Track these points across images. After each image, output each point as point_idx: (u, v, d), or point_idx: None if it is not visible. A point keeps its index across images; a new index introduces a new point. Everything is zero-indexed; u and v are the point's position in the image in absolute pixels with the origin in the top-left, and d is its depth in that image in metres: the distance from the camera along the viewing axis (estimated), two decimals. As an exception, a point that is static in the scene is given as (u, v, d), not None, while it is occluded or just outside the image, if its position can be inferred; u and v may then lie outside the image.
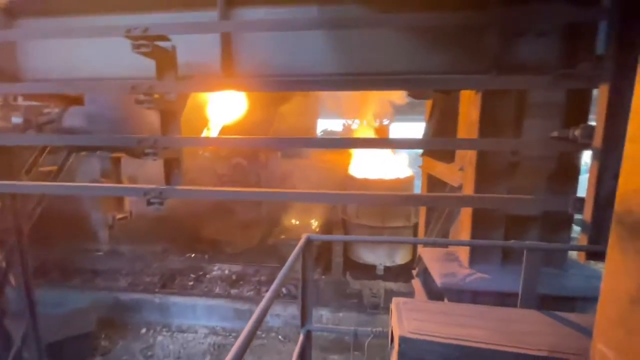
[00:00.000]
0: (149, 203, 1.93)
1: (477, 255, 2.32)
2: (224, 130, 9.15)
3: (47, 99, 2.92)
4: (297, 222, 9.48)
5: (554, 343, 1.19)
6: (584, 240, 1.50)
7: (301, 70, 2.26)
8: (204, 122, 8.99)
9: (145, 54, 1.90)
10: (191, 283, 8.40)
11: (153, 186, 1.95)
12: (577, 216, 1.94)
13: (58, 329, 5.62)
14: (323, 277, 8.09)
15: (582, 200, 1.53)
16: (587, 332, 1.34)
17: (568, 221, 2.19)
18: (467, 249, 2.35)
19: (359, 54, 2.21)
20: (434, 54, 2.06)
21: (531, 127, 2.03)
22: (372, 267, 7.58)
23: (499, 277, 2.05)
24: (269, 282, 8.32)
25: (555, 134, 1.75)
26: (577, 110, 2.03)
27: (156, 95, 1.98)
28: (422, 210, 3.69)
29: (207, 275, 8.74)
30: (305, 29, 2.02)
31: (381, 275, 7.44)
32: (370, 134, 11.78)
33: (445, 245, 2.31)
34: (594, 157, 1.46)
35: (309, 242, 1.53)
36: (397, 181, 7.80)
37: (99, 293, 7.59)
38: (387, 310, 1.90)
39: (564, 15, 1.85)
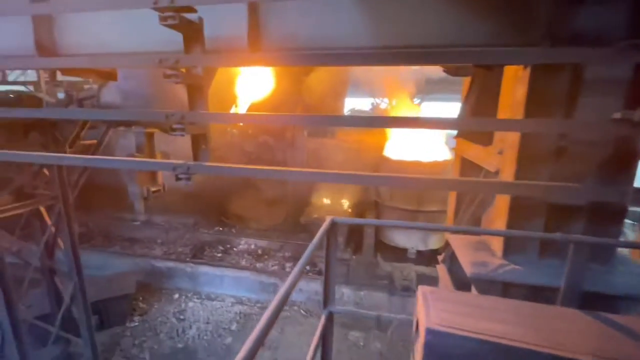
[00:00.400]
0: (178, 178, 1.96)
1: (511, 246, 2.18)
2: (252, 107, 9.19)
3: (82, 74, 3.01)
4: (329, 202, 9.47)
5: (598, 346, 1.08)
6: (642, 237, 1.33)
7: (331, 43, 2.13)
8: (232, 99, 9.07)
9: (172, 27, 1.86)
10: (219, 255, 8.81)
11: (181, 161, 1.97)
12: (632, 208, 1.74)
13: (102, 290, 6.15)
14: (354, 256, 8.16)
15: (642, 191, 1.35)
16: (634, 335, 1.21)
17: (620, 214, 1.98)
18: (500, 238, 2.21)
19: (393, 25, 2.04)
20: (477, 22, 1.86)
21: (586, 106, 1.81)
22: (404, 250, 7.51)
23: (535, 270, 1.91)
24: (293, 258, 8.53)
25: (617, 115, 1.53)
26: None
27: (183, 70, 1.96)
28: (452, 195, 3.52)
29: (235, 249, 9.11)
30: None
31: (413, 258, 7.36)
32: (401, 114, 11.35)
33: (479, 234, 2.18)
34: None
35: (333, 224, 1.49)
36: (436, 164, 7.53)
37: (137, 259, 8.18)
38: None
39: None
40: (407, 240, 7.45)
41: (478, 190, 2.19)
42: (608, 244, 1.37)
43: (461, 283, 2.64)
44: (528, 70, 1.90)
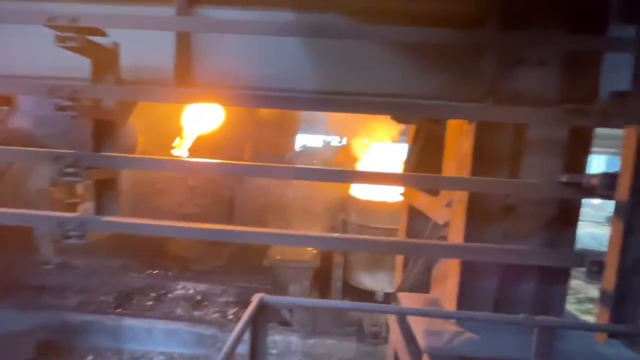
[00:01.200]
0: (66, 237, 1.51)
1: (465, 306, 2.02)
2: (199, 140, 8.67)
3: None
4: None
5: None
6: (604, 315, 1.24)
7: (275, 85, 1.95)
8: (178, 131, 8.50)
9: (75, 51, 1.52)
10: (150, 303, 7.69)
11: (73, 215, 1.53)
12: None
13: (-13, 358, 4.88)
14: None
15: (600, 264, 1.27)
16: None
17: (567, 272, 1.94)
18: (453, 297, 2.05)
19: (342, 71, 1.94)
20: (425, 76, 1.81)
21: (530, 165, 1.79)
22: (372, 293, 7.20)
23: (491, 337, 1.75)
24: (237, 304, 7.75)
25: (564, 178, 1.50)
26: (579, 149, 1.82)
27: (88, 102, 1.59)
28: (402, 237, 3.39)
29: (169, 295, 8.06)
30: (276, 34, 1.72)
31: (381, 301, 7.07)
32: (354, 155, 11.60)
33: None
34: (618, 212, 1.22)
35: (262, 306, 1.17)
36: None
37: (43, 313, 6.77)
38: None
39: (565, 43, 1.66)
40: (375, 282, 7.20)
41: (427, 254, 2.05)
42: (575, 327, 1.26)
43: (413, 340, 2.42)
44: (473, 125, 1.87)
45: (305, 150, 12.95)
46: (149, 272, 8.81)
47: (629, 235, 1.18)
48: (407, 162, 3.70)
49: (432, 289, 2.50)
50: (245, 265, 8.61)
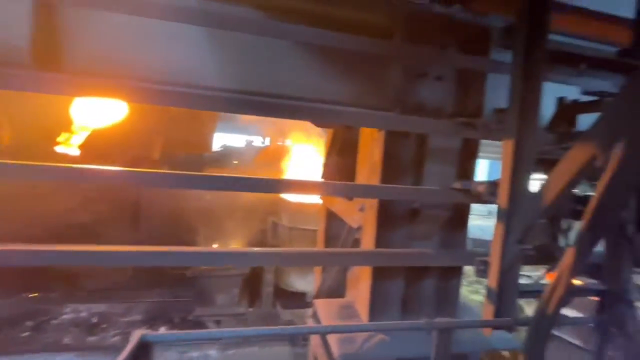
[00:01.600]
0: None
1: (377, 308, 2.08)
2: (94, 136, 7.44)
3: None
4: (216, 245, 8.02)
5: None
6: (489, 310, 1.38)
7: (175, 78, 1.70)
8: (67, 124, 7.16)
9: None
10: (26, 334, 6.30)
11: None
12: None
13: None
14: (251, 309, 7.12)
15: (486, 263, 1.42)
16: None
17: (459, 269, 2.16)
18: (366, 300, 2.10)
19: (255, 70, 1.80)
20: (340, 82, 1.80)
21: (431, 172, 1.93)
22: (304, 295, 7.03)
23: (401, 338, 1.83)
24: (145, 322, 6.86)
25: (457, 185, 1.65)
26: (468, 157, 2.03)
27: None
28: (320, 247, 3.40)
29: (54, 321, 6.71)
30: (170, 18, 1.49)
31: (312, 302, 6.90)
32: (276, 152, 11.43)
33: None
34: (499, 216, 1.36)
35: (143, 345, 0.96)
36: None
37: None
38: None
39: (456, 61, 1.83)
40: (306, 284, 7.07)
41: (341, 263, 2.06)
42: (465, 326, 1.38)
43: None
44: (383, 133, 1.93)
45: (226, 150, 12.21)
46: (24, 295, 7.21)
47: (507, 237, 1.34)
48: (326, 166, 3.74)
49: (347, 291, 2.54)
50: (158, 277, 7.68)
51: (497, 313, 1.36)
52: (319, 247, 3.43)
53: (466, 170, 1.99)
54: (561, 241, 1.52)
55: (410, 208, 1.98)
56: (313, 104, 1.78)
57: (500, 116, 1.50)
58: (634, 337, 1.35)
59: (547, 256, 1.63)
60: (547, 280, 1.69)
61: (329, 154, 3.68)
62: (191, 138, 8.89)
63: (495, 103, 1.89)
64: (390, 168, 1.97)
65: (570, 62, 1.54)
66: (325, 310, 2.19)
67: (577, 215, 1.68)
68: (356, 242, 2.68)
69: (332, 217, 3.30)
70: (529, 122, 1.29)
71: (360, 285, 2.21)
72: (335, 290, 2.82)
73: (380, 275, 2.04)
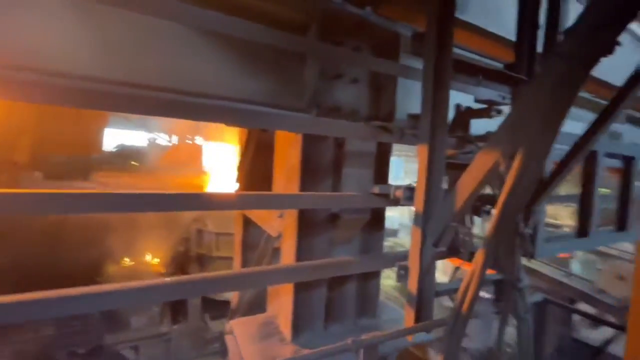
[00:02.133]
0: None
1: (300, 322, 1.97)
2: None
3: None
4: (128, 261, 6.66)
5: None
6: (410, 315, 1.39)
7: (45, 65, 1.27)
8: None
9: None
10: None
11: None
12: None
13: None
14: (175, 326, 6.10)
15: (406, 268, 1.43)
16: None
17: (377, 272, 2.21)
18: (288, 314, 1.97)
19: (149, 58, 1.47)
20: (252, 79, 1.61)
21: (350, 176, 1.90)
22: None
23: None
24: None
25: (376, 190, 1.64)
26: (383, 160, 2.07)
27: None
28: (237, 257, 3.14)
29: None
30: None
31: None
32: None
33: None
34: (416, 221, 1.38)
35: None
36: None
37: None
38: None
39: (369, 64, 1.83)
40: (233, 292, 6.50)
41: (260, 284, 1.88)
42: (391, 338, 1.36)
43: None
44: (300, 135, 1.82)
45: (123, 150, 10.56)
46: None
47: (425, 240, 1.37)
48: (240, 169, 3.47)
49: (269, 305, 2.37)
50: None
51: (417, 315, 1.38)
52: (236, 258, 3.16)
53: (382, 173, 2.02)
54: (465, 237, 1.65)
55: (330, 213, 1.91)
56: (222, 102, 1.55)
57: (413, 121, 1.53)
58: (524, 318, 1.54)
59: (453, 251, 1.76)
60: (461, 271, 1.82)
61: (243, 156, 3.42)
62: (73, 137, 7.36)
63: (407, 108, 1.95)
64: (309, 172, 1.87)
65: (470, 72, 1.68)
66: (243, 330, 1.99)
67: (476, 212, 1.85)
68: (276, 251, 2.52)
69: (249, 224, 3.07)
70: (440, 127, 1.33)
71: (281, 299, 2.06)
72: (256, 304, 2.62)
73: (302, 285, 1.93)
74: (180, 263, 7.25)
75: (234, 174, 3.76)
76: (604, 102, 2.89)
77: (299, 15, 1.77)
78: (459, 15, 1.88)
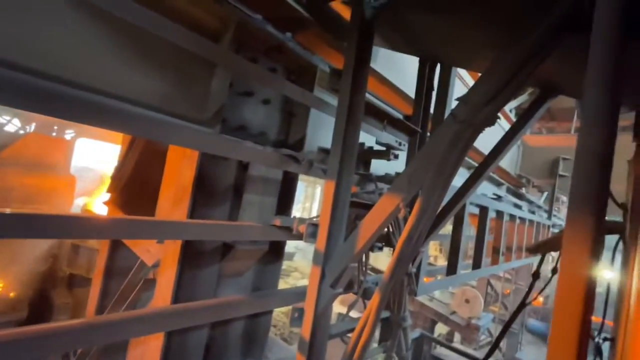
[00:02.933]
0: None
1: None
2: None
3: None
4: None
5: None
6: (301, 362, 1.28)
7: None
8: None
9: None
10: None
11: None
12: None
13: None
14: None
15: (301, 310, 1.33)
16: None
17: (270, 312, 2.05)
18: (155, 363, 1.61)
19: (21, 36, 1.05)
20: (153, 80, 1.33)
21: (250, 204, 1.74)
22: None
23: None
24: None
25: (278, 222, 1.52)
26: (288, 189, 1.99)
27: None
28: (95, 287, 2.52)
29: None
30: None
31: None
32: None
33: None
34: (316, 260, 1.31)
35: None
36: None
37: None
38: None
39: (282, 87, 1.77)
40: None
41: (125, 335, 1.46)
42: None
43: None
44: (198, 152, 1.59)
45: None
46: None
47: (322, 281, 1.30)
48: (116, 178, 2.89)
49: (130, 352, 1.91)
50: None
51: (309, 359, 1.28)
52: (94, 287, 2.54)
53: (286, 202, 1.93)
54: (361, 275, 1.67)
55: (222, 243, 1.69)
56: (107, 99, 1.22)
57: (323, 155, 1.50)
58: (405, 357, 1.60)
59: (348, 288, 1.76)
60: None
61: (123, 160, 2.87)
62: None
63: (317, 140, 1.94)
64: (204, 194, 1.63)
65: (378, 116, 1.78)
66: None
67: (370, 248, 1.92)
68: (149, 282, 2.11)
69: (119, 246, 2.53)
70: (348, 164, 1.32)
71: (147, 345, 1.68)
72: (112, 349, 2.10)
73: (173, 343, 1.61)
74: (40, 287, 5.66)
75: (108, 181, 3.11)
76: (474, 164, 3.49)
77: (213, 21, 1.59)
78: (371, 64, 2.02)
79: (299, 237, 1.51)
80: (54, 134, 10.98)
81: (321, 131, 1.92)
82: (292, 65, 1.93)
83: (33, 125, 10.50)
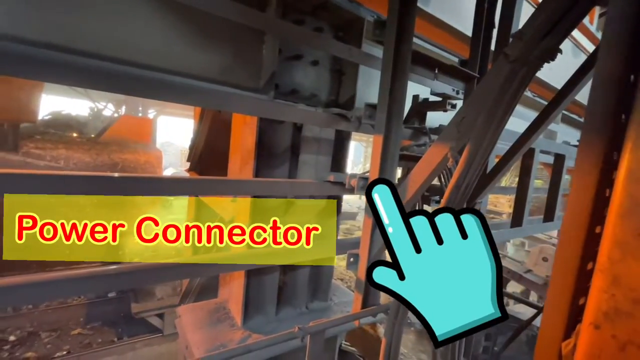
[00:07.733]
0: None
1: (252, 306, 1.96)
2: None
3: None
4: None
5: None
6: (358, 301, 1.43)
7: None
8: None
9: None
10: None
11: None
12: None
13: None
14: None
15: (357, 256, 1.46)
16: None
17: (332, 258, 2.24)
18: (239, 299, 1.94)
19: (75, 16, 1.27)
20: (204, 54, 1.48)
21: (306, 163, 1.87)
22: None
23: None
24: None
25: (331, 178, 1.63)
26: (341, 147, 2.07)
27: None
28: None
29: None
30: None
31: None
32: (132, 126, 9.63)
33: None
34: (367, 210, 1.40)
35: None
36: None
37: None
38: None
39: (330, 47, 1.77)
40: None
41: (212, 271, 1.79)
42: (338, 323, 1.39)
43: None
44: (257, 118, 1.74)
45: (58, 119, 9.45)
46: None
47: (374, 230, 1.40)
48: (193, 148, 3.29)
49: (220, 290, 2.31)
50: None
51: (365, 300, 1.43)
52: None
53: (340, 160, 2.02)
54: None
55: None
56: (169, 76, 1.41)
57: (371, 111, 1.52)
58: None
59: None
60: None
61: (197, 134, 3.24)
62: (1, 101, 6.41)
63: (368, 97, 1.94)
64: (265, 156, 1.81)
65: (428, 64, 1.70)
66: (193, 317, 1.93)
67: (426, 201, 1.93)
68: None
69: (202, 207, 2.96)
70: (396, 118, 1.34)
71: (233, 284, 2.02)
72: (208, 289, 2.55)
73: (255, 270, 1.90)
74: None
75: (187, 152, 3.56)
76: (544, 102, 3.10)
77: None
78: (420, 5, 1.88)
79: (352, 190, 1.60)
80: (140, 114, 12.53)
81: (372, 87, 1.91)
82: (339, 21, 1.91)
83: (124, 108, 12.09)
